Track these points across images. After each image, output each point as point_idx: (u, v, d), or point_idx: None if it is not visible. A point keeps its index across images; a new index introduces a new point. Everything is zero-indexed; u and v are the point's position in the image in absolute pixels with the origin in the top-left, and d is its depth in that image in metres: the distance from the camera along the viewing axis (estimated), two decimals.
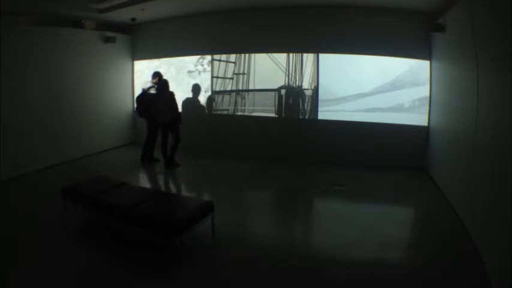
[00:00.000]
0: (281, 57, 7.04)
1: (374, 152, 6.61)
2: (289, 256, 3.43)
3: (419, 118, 6.31)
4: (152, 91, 6.54)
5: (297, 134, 7.10)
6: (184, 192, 5.42)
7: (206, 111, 7.78)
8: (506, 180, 2.71)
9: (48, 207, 4.40)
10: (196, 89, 7.76)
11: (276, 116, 7.26)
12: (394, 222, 4.25)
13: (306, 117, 7.04)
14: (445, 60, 5.37)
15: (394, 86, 6.43)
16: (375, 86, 6.53)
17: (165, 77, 6.72)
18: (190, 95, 7.90)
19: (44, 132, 6.31)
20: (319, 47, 6.72)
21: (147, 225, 3.34)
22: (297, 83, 6.99)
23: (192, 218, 3.39)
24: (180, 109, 6.70)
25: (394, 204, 4.99)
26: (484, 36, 3.51)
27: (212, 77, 7.68)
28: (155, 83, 6.62)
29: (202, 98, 7.82)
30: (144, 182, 6.01)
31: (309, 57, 6.85)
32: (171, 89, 6.34)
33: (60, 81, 6.63)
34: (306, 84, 6.93)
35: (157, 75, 6.74)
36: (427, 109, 6.23)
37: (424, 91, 6.22)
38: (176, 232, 3.17)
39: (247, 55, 7.34)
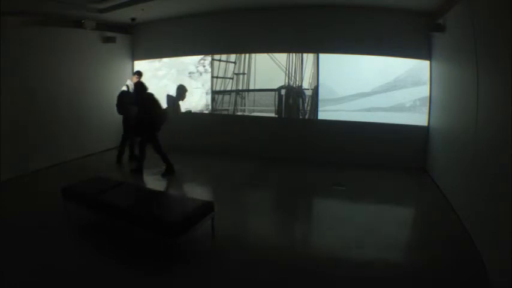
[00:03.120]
0: (281, 57, 7.04)
1: (374, 151, 6.60)
2: (290, 256, 3.42)
3: (420, 118, 6.30)
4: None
5: (297, 134, 7.09)
6: (184, 192, 5.42)
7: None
8: (506, 180, 2.71)
9: (48, 207, 4.40)
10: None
11: (276, 115, 7.26)
12: (394, 222, 4.25)
13: (306, 117, 7.04)
14: (445, 60, 5.37)
15: (395, 85, 6.43)
16: (376, 86, 6.52)
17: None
18: (189, 96, 7.88)
19: (44, 132, 6.31)
20: (319, 47, 6.72)
21: (147, 225, 3.35)
22: (297, 83, 6.98)
23: (192, 218, 3.38)
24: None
25: (394, 204, 4.98)
26: (484, 36, 3.51)
27: (212, 76, 7.68)
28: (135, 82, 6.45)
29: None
30: (143, 182, 6.00)
31: (309, 57, 6.85)
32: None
33: (60, 81, 6.63)
34: (306, 84, 6.93)
35: (137, 73, 6.70)
36: (428, 109, 6.23)
37: (426, 91, 6.22)
38: (176, 232, 3.17)
39: (247, 55, 7.34)
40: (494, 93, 3.23)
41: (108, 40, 7.59)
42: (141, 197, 3.78)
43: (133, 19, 7.43)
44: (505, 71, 2.83)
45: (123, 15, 6.97)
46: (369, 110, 6.61)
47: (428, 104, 6.21)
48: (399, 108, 6.44)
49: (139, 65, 8.52)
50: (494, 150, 3.12)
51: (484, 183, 3.36)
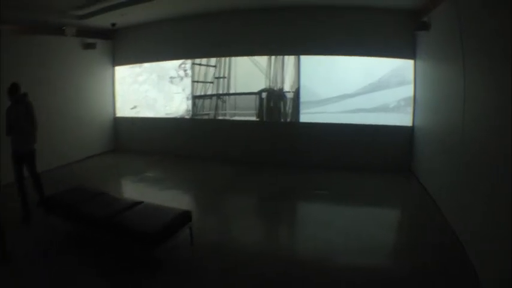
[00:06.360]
0: (262, 59, 6.96)
1: (358, 153, 6.51)
2: (272, 263, 3.32)
3: (405, 118, 6.26)
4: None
5: (279, 137, 6.97)
6: (164, 200, 5.24)
7: None
8: (492, 180, 2.68)
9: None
10: None
11: (258, 119, 7.16)
12: (380, 226, 4.17)
13: (288, 120, 6.96)
14: (430, 59, 5.32)
15: (379, 86, 6.38)
16: (360, 87, 6.47)
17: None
18: (170, 101, 7.87)
19: None
20: (299, 49, 6.65)
21: (125, 235, 3.29)
22: (278, 85, 6.91)
23: (170, 229, 3.32)
24: None
25: (379, 207, 4.91)
26: (471, 33, 3.45)
27: (192, 81, 7.57)
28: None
29: None
30: (123, 190, 5.88)
31: (290, 59, 6.79)
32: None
33: (41, 89, 6.40)
34: (287, 87, 6.86)
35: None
36: (411, 109, 6.20)
37: (410, 90, 6.18)
38: (154, 242, 3.12)
39: (227, 58, 7.24)
40: (481, 92, 3.17)
41: (88, 46, 7.45)
42: (119, 207, 3.68)
43: (113, 24, 7.31)
44: (492, 69, 2.80)
45: (103, 20, 6.84)
46: (353, 111, 6.54)
47: (412, 104, 6.19)
48: (383, 108, 6.40)
49: (121, 71, 8.40)
50: (481, 150, 3.07)
51: (470, 184, 3.31)
